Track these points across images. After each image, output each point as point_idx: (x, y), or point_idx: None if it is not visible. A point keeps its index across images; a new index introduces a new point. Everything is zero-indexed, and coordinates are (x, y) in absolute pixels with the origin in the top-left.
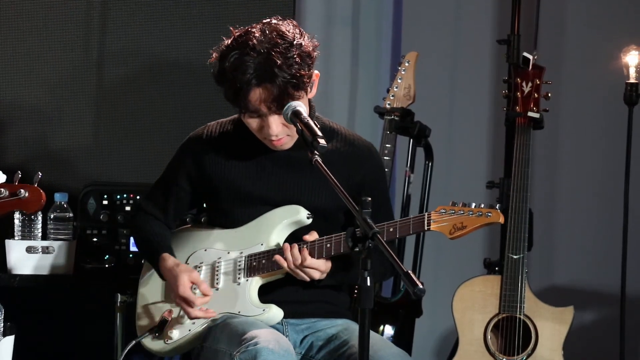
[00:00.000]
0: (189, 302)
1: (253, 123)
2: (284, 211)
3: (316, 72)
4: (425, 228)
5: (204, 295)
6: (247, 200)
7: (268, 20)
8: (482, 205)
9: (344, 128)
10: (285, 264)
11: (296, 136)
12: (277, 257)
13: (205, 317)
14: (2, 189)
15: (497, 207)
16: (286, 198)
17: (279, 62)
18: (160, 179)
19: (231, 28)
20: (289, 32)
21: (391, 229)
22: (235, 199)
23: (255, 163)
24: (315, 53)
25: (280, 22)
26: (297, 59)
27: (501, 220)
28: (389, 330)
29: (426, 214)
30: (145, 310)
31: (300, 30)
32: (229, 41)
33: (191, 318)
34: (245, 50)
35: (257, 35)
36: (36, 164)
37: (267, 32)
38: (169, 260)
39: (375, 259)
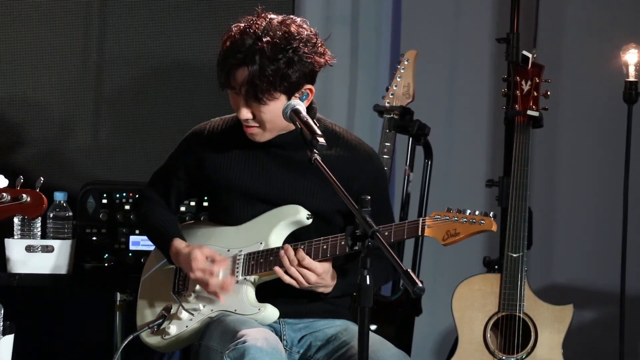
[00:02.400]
0: (205, 271)
1: (231, 98)
2: (284, 211)
3: (309, 85)
4: (419, 233)
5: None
6: (246, 198)
7: (292, 17)
8: (477, 212)
9: (347, 131)
10: (282, 272)
11: (274, 132)
12: (276, 268)
13: (224, 284)
14: (4, 194)
15: (491, 215)
16: (285, 198)
17: (266, 52)
18: (161, 168)
19: (260, 7)
20: (297, 34)
21: (386, 233)
22: (234, 195)
23: (256, 161)
24: (317, 69)
25: (301, 26)
26: (286, 60)
27: (494, 228)
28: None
29: (421, 219)
30: (146, 305)
31: (316, 42)
32: (248, 18)
33: (209, 288)
34: (249, 29)
35: (270, 23)
36: (36, 163)
37: (280, 25)
38: (181, 243)
39: (375, 264)
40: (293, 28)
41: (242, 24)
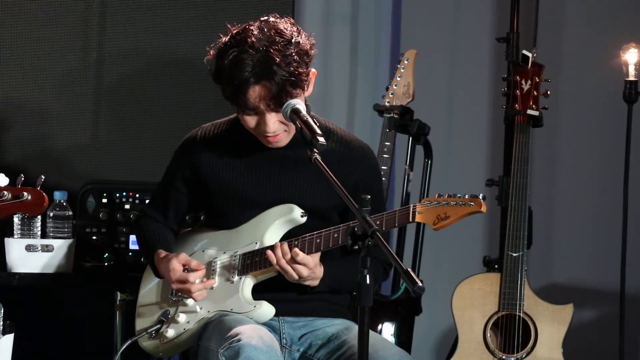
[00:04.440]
0: (184, 281)
1: (250, 121)
2: (278, 210)
3: (313, 70)
4: (410, 220)
5: (197, 270)
6: (242, 201)
7: (266, 18)
8: (466, 196)
9: (340, 128)
10: (274, 260)
11: (293, 132)
12: (269, 252)
13: (206, 287)
14: (5, 192)
15: (480, 196)
16: (281, 197)
17: (277, 59)
18: (160, 182)
19: (228, 25)
20: (286, 30)
21: (377, 222)
22: (230, 199)
23: (250, 163)
24: (312, 51)
25: (278, 20)
26: (296, 57)
27: (483, 209)
28: (388, 327)
29: (412, 205)
30: (145, 310)
31: (297, 28)
32: (227, 39)
33: (193, 296)
34: (243, 47)
35: (255, 32)
36: (36, 162)
37: (266, 29)
38: (162, 253)
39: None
40: (279, 25)
41: (227, 42)
